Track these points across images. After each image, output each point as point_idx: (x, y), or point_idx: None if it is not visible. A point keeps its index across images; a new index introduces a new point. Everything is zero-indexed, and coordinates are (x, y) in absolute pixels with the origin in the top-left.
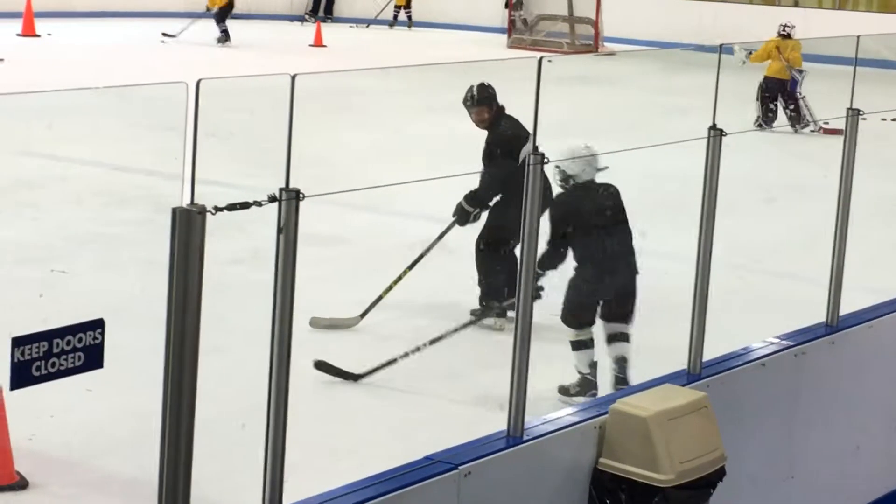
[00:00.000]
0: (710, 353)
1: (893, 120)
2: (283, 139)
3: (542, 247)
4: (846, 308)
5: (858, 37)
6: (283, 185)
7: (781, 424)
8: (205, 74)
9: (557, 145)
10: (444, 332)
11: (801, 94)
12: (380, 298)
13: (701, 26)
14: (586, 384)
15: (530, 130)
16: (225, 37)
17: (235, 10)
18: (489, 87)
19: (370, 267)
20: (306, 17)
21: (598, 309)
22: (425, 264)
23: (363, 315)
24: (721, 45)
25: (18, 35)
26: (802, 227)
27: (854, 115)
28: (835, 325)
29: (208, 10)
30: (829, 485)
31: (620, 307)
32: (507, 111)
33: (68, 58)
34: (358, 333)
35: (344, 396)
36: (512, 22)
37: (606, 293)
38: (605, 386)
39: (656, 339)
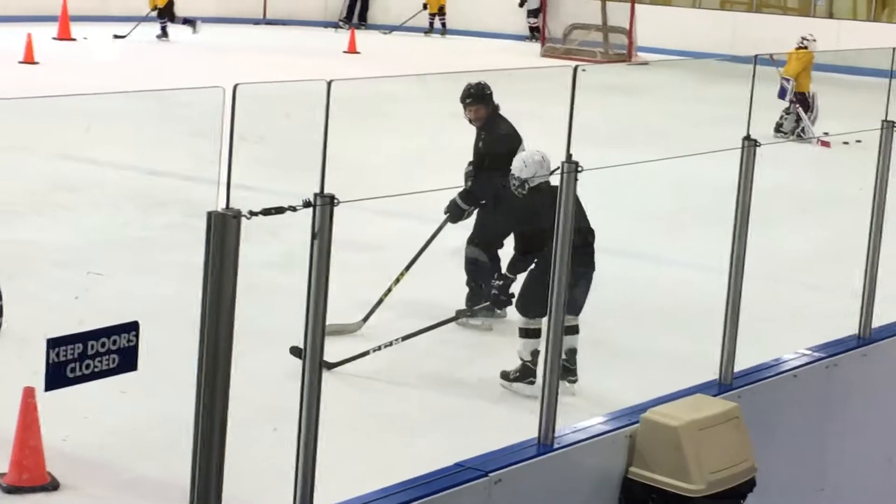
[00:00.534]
0: (741, 364)
1: None
2: (317, 145)
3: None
4: (879, 320)
5: (894, 48)
6: (318, 191)
7: (812, 436)
8: (241, 80)
9: (590, 154)
10: (419, 329)
11: (793, 100)
12: (380, 301)
13: (735, 37)
14: (526, 371)
15: (564, 138)
16: (164, 34)
17: (270, 16)
18: (486, 86)
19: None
20: (340, 23)
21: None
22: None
23: (365, 319)
24: (756, 56)
25: (54, 38)
26: (834, 239)
27: (889, 127)
28: (867, 337)
29: (153, 10)
30: (860, 497)
31: (573, 300)
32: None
33: (104, 61)
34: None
35: (371, 399)
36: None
37: None
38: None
39: (686, 347)
